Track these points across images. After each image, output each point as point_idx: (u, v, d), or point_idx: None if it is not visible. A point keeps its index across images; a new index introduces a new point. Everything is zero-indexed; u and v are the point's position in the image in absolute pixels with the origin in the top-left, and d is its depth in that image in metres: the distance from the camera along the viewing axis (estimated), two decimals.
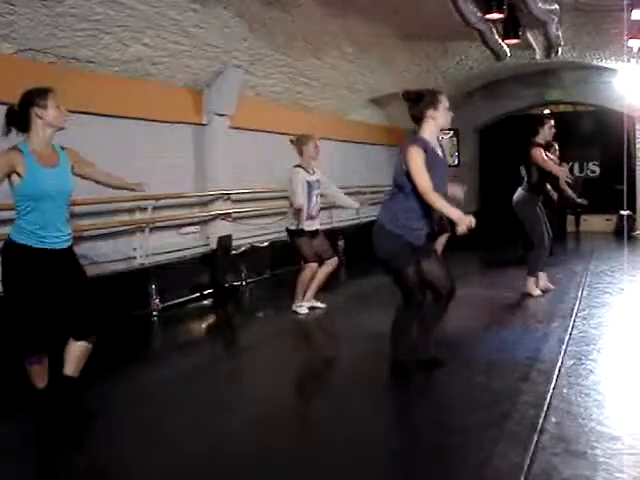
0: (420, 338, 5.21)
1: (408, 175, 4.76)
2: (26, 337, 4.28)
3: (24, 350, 4.31)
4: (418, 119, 4.92)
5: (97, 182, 4.74)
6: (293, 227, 7.39)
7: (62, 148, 4.41)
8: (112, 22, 6.56)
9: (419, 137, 4.89)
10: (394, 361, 5.15)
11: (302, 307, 7.52)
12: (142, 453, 3.93)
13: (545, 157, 7.67)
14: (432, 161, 4.80)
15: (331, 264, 7.56)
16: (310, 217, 7.42)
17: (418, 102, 4.91)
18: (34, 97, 4.22)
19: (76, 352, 4.32)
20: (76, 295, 4.34)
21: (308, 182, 7.35)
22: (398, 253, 4.87)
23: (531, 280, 7.93)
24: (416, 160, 4.72)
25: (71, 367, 4.32)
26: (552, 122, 7.88)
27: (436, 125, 4.93)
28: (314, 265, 7.41)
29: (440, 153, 5.03)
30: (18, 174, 4.08)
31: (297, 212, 7.29)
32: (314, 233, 7.52)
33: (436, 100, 4.90)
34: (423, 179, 4.69)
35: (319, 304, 7.68)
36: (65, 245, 4.32)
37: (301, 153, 7.44)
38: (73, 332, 4.31)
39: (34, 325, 4.23)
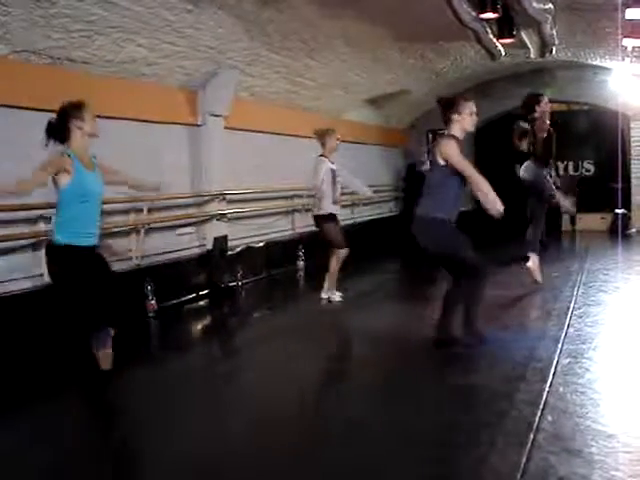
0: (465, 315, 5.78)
1: (445, 168, 5.36)
2: (89, 318, 4.77)
3: (91, 329, 4.78)
4: (446, 122, 5.55)
5: (127, 186, 5.50)
6: (321, 212, 7.94)
7: (94, 157, 4.92)
8: (106, 23, 6.54)
9: (450, 134, 5.49)
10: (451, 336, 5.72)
11: (336, 295, 8.05)
12: (139, 453, 3.93)
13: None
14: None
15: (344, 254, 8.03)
16: (335, 202, 8.05)
17: (448, 107, 5.56)
18: (73, 111, 4.70)
19: None
20: (103, 288, 4.81)
21: (332, 170, 8.04)
22: (455, 235, 5.49)
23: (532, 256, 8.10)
24: (456, 149, 5.34)
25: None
26: (546, 99, 8.03)
27: (461, 128, 5.53)
28: (344, 251, 7.93)
29: None
30: (67, 174, 4.58)
31: (320, 198, 7.91)
32: (337, 219, 8.10)
33: (460, 106, 5.53)
34: (467, 164, 5.33)
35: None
36: (95, 242, 4.84)
37: (324, 145, 8.11)
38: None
39: (92, 308, 4.74)
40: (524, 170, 8.10)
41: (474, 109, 5.60)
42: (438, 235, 5.52)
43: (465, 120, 5.53)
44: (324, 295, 8.10)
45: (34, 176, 4.55)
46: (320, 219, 7.99)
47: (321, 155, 8.11)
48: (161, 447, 4.00)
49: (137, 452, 3.97)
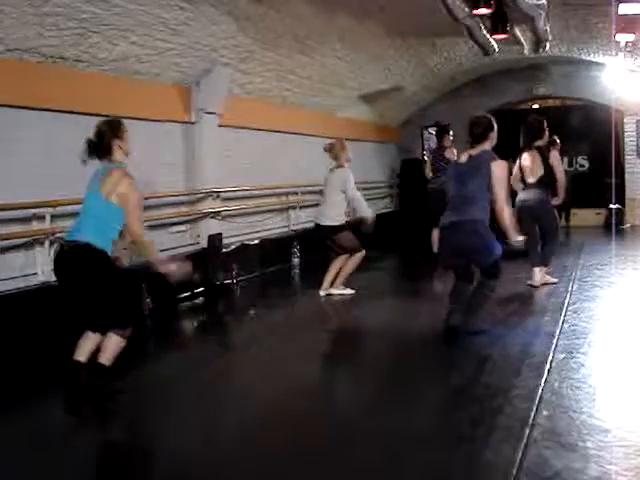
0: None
1: (486, 180, 5.75)
2: (131, 311, 4.92)
3: (133, 321, 4.84)
4: (479, 139, 5.99)
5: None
6: (342, 222, 8.06)
7: None
8: (99, 21, 6.52)
9: (493, 153, 5.93)
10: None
11: (347, 290, 8.24)
12: (135, 452, 3.93)
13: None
14: None
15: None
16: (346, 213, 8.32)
17: (491, 127, 6.07)
18: (115, 129, 4.83)
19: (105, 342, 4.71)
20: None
21: None
22: (494, 243, 5.83)
23: (543, 270, 8.18)
24: (506, 173, 5.90)
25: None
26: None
27: (490, 145, 6.03)
28: (363, 252, 8.11)
29: None
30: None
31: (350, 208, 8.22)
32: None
33: (494, 126, 6.10)
34: (506, 194, 5.83)
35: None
36: None
37: (337, 158, 8.12)
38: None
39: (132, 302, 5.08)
40: (536, 197, 8.03)
41: None
42: (482, 237, 5.83)
43: (494, 140, 6.11)
44: (322, 292, 8.16)
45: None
46: (341, 227, 8.05)
47: (339, 166, 8.10)
48: (156, 446, 4.00)
49: (132, 452, 3.97)
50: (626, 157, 14.69)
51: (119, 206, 4.61)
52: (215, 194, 9.27)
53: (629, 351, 5.47)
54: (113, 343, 4.64)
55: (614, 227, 12.71)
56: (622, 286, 8.24)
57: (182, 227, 8.95)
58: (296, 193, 11.55)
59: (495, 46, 10.73)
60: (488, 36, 9.96)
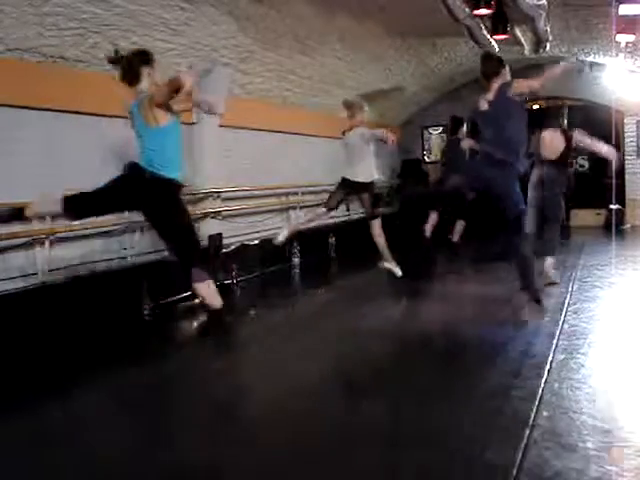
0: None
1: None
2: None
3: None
4: (493, 74, 6.25)
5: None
6: (370, 180, 8.46)
7: None
8: (99, 21, 6.53)
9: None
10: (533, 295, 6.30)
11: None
12: (138, 454, 3.92)
13: None
14: None
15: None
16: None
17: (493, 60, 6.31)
18: (143, 56, 5.18)
19: None
20: None
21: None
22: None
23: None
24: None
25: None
26: None
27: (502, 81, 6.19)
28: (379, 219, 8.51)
29: None
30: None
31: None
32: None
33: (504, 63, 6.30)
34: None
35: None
36: None
37: (353, 116, 8.48)
38: None
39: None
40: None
41: None
42: (514, 184, 6.09)
43: (506, 76, 6.26)
44: (386, 265, 8.69)
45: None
46: (364, 187, 8.40)
47: (353, 126, 8.42)
48: (157, 446, 3.99)
49: (134, 453, 3.96)
50: (626, 157, 14.68)
51: (168, 122, 5.03)
52: (215, 194, 9.27)
53: (629, 352, 5.46)
54: (203, 289, 5.24)
55: (614, 227, 12.70)
56: (622, 287, 8.23)
57: None
58: (296, 193, 11.55)
59: (495, 46, 10.72)
60: (488, 36, 9.96)
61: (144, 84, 5.03)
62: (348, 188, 8.51)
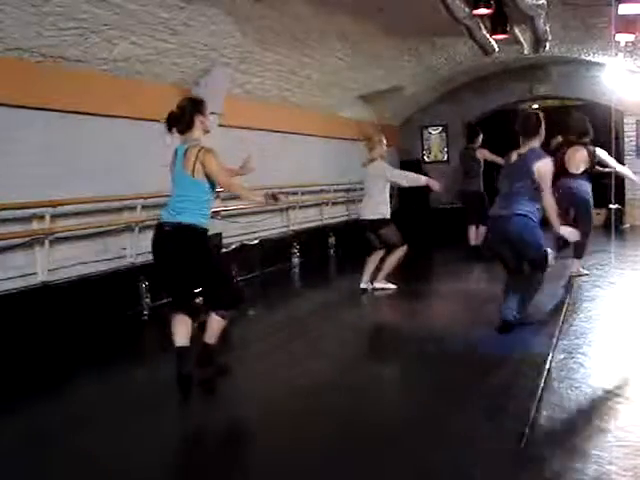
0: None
1: (534, 179, 5.92)
2: (236, 294, 5.17)
3: (237, 304, 5.18)
4: (529, 135, 6.13)
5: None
6: (387, 216, 8.22)
7: None
8: (99, 21, 6.53)
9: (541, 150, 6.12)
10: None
11: (389, 285, 8.41)
12: (138, 452, 3.92)
13: None
14: None
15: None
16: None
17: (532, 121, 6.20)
18: (197, 105, 5.01)
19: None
20: None
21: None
22: (541, 237, 6.04)
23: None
24: (549, 170, 6.00)
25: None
26: None
27: (539, 140, 6.18)
28: (405, 247, 8.23)
29: None
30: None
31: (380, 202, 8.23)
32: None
33: (541, 122, 6.20)
34: (549, 188, 5.97)
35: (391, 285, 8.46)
36: None
37: (372, 149, 8.33)
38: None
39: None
40: (579, 185, 8.42)
41: None
42: (531, 230, 5.99)
43: (542, 135, 6.24)
44: (365, 286, 8.38)
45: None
46: (382, 223, 8.19)
47: (373, 159, 8.31)
48: (155, 445, 3.99)
49: (132, 452, 3.96)
50: (626, 157, 14.68)
51: (205, 179, 4.83)
52: (215, 194, 9.24)
53: (628, 351, 5.47)
54: (216, 323, 4.99)
55: (614, 227, 12.69)
56: (622, 286, 8.24)
57: None
58: (296, 193, 11.55)
59: (495, 46, 10.73)
60: (488, 36, 9.96)
61: (196, 133, 4.98)
62: (364, 228, 8.43)
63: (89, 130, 7.35)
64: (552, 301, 7.30)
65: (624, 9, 7.67)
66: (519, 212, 5.97)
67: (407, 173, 8.51)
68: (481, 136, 11.44)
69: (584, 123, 8.50)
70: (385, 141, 8.52)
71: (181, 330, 4.95)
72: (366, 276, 8.39)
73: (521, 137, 6.21)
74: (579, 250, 8.53)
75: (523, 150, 6.16)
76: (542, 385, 4.59)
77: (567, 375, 4.83)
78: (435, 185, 8.30)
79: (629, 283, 8.46)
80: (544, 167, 5.98)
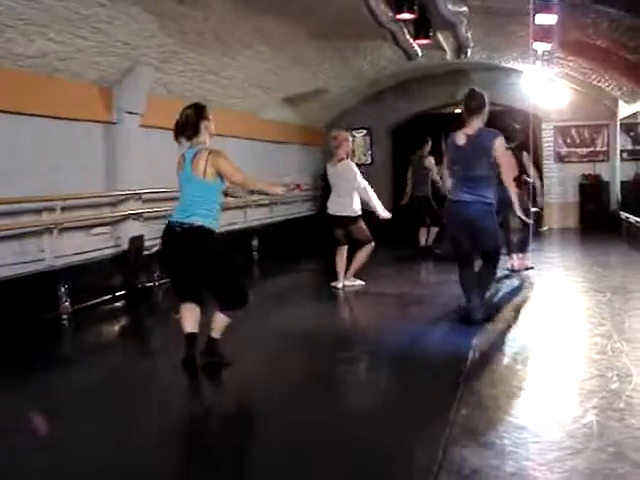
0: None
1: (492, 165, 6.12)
2: (243, 295, 5.23)
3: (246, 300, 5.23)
4: (475, 112, 6.22)
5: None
6: (358, 213, 8.34)
7: None
8: (15, 15, 6.31)
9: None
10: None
11: (357, 282, 8.61)
12: (57, 462, 3.81)
13: None
14: None
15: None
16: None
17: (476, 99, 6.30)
18: (201, 111, 5.25)
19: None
20: None
21: None
22: (497, 227, 6.38)
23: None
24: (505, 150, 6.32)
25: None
26: None
27: (483, 120, 6.28)
28: (373, 244, 8.38)
29: None
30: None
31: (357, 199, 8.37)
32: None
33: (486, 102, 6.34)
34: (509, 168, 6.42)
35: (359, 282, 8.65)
36: None
37: (338, 147, 8.46)
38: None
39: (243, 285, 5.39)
40: None
41: None
42: (491, 219, 6.22)
43: (486, 116, 6.34)
44: (340, 285, 8.51)
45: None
46: (358, 217, 8.34)
47: (341, 159, 8.44)
48: (71, 455, 3.90)
49: (54, 461, 3.86)
50: (544, 162, 15.13)
51: (215, 180, 5.03)
52: (136, 196, 9.10)
53: (546, 350, 5.61)
54: (222, 321, 5.16)
55: (530, 230, 13.01)
56: (540, 286, 8.47)
57: (103, 229, 8.75)
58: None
59: (418, 51, 10.87)
60: (411, 41, 10.09)
61: (202, 137, 5.19)
62: (333, 223, 8.49)
63: (6, 129, 7.13)
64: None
65: (540, 19, 7.89)
66: (484, 200, 6.09)
67: (373, 194, 8.58)
68: (430, 143, 11.63)
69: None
70: (351, 139, 8.72)
71: (189, 318, 5.23)
72: (341, 275, 8.51)
73: (466, 115, 6.25)
74: (524, 244, 9.20)
75: (470, 131, 6.19)
76: (461, 384, 4.66)
77: (485, 374, 4.94)
78: (385, 215, 8.54)
79: (546, 283, 8.70)
80: (502, 144, 6.15)
